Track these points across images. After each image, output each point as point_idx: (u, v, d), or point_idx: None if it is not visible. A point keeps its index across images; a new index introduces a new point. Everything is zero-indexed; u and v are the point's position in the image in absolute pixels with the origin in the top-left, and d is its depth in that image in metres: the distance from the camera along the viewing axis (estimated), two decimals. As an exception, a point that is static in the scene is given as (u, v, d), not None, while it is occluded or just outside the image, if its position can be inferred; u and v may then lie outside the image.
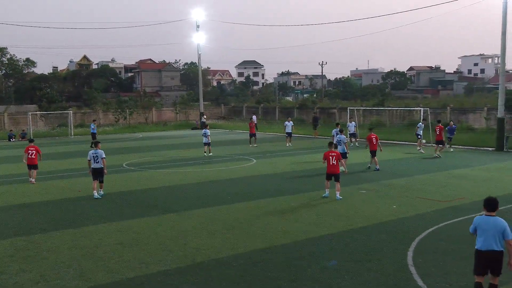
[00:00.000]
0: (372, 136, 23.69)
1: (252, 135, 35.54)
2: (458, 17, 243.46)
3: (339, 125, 28.66)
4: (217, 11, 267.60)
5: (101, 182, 18.03)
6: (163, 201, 17.11)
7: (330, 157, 16.92)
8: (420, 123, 31.30)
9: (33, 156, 21.18)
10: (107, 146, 35.70)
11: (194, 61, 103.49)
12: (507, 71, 43.60)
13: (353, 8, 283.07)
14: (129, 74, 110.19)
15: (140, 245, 11.83)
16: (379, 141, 23.96)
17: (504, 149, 30.50)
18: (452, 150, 30.86)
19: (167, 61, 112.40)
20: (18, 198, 17.87)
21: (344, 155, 21.91)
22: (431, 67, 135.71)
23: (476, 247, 8.06)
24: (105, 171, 18.13)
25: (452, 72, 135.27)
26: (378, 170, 23.08)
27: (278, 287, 9.14)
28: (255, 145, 34.84)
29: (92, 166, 17.82)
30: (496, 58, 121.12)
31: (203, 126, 36.50)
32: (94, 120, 41.81)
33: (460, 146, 32.43)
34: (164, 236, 12.63)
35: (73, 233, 13.04)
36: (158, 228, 13.40)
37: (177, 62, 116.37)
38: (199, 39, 59.13)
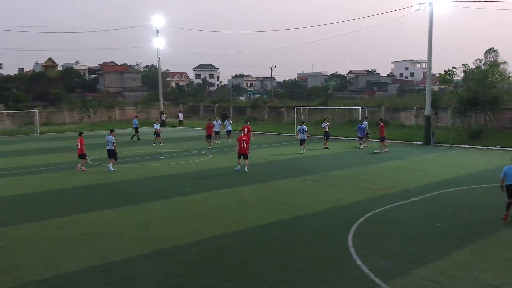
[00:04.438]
0: (245, 127, 27.68)
1: (208, 136, 31.54)
2: (391, 25, 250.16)
3: (327, 119, 31.98)
4: (176, 17, 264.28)
5: (109, 158, 22.03)
6: (127, 193, 16.83)
7: (242, 140, 21.15)
8: (365, 122, 31.50)
9: (79, 147, 22.11)
10: (72, 143, 34.80)
11: (154, 64, 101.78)
12: (433, 75, 45.10)
13: (298, 17, 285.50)
14: (93, 76, 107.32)
15: (106, 235, 11.64)
16: (251, 132, 28.13)
17: (431, 143, 31.62)
18: (363, 147, 30.01)
19: (129, 64, 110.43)
20: (-12, 193, 17.17)
21: (304, 140, 27.68)
22: (367, 71, 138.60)
23: (505, 184, 12.23)
24: (117, 151, 22.22)
25: (386, 75, 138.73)
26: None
27: (236, 268, 9.23)
28: (209, 147, 30.72)
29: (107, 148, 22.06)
30: (424, 63, 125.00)
31: (163, 123, 36.14)
32: (136, 116, 43.69)
33: (393, 141, 33.36)
34: (129, 226, 12.47)
35: (44, 225, 12.68)
36: (124, 219, 13.23)
37: (138, 65, 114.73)
38: (158, 43, 58.37)
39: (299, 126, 28.83)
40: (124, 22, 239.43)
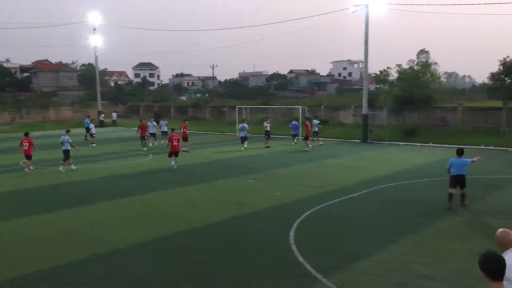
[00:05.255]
0: (182, 126, 29.34)
1: (142, 137, 30.32)
2: (330, 26, 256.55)
3: (269, 119, 32.64)
4: (114, 15, 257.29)
5: (63, 160, 21.67)
6: (67, 196, 16.22)
7: (174, 139, 21.89)
8: (315, 120, 32.33)
9: (26, 148, 21.47)
10: (10, 145, 33.07)
11: (91, 62, 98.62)
12: (370, 75, 46.58)
13: (238, 17, 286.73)
14: (25, 75, 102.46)
15: (46, 240, 11.20)
16: (186, 130, 29.43)
17: (368, 141, 32.68)
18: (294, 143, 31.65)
19: (64, 62, 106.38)
20: None
21: (245, 138, 29.00)
22: (308, 71, 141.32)
23: (450, 174, 13.42)
24: (76, 148, 22.51)
25: (326, 75, 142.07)
26: (188, 151, 27.80)
27: (178, 270, 9.12)
28: (145, 148, 29.72)
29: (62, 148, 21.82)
30: (361, 63, 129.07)
31: (101, 123, 34.73)
32: (88, 116, 41.68)
33: (332, 139, 34.21)
34: (71, 229, 12.04)
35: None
36: (66, 222, 12.73)
37: (75, 63, 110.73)
38: (96, 41, 56.54)
39: (240, 124, 30.06)
40: (59, 18, 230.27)
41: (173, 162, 22.05)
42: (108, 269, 9.27)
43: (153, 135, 32.32)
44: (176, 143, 22.06)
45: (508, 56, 34.07)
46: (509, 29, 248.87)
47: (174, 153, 22.08)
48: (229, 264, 9.45)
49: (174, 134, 22.63)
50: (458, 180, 13.37)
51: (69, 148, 21.80)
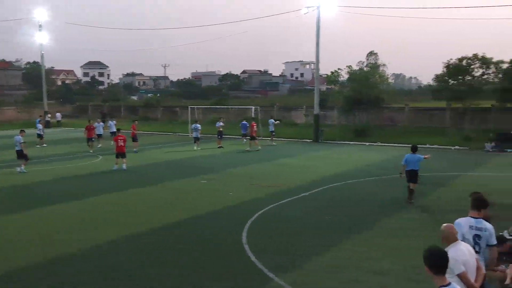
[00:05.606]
0: (131, 127, 29.26)
1: (89, 139, 28.84)
2: (283, 27, 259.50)
3: (222, 119, 32.60)
4: (61, 11, 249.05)
5: (25, 160, 21.09)
6: (14, 200, 15.59)
7: (119, 139, 21.63)
8: (271, 120, 32.48)
9: None
10: None
11: (37, 61, 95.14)
12: (321, 75, 47.43)
13: (192, 16, 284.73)
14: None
15: (41, 239, 11.02)
16: (135, 130, 28.97)
17: (319, 140, 33.19)
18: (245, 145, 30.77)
19: (8, 60, 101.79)
20: None
21: (198, 138, 29.01)
22: (260, 71, 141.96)
23: (406, 169, 14.24)
24: (25, 151, 21.30)
25: (278, 75, 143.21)
26: (136, 152, 27.18)
27: (133, 272, 8.93)
28: (91, 150, 28.33)
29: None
30: (312, 64, 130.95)
31: (48, 124, 33.36)
32: (40, 116, 40.99)
33: (284, 139, 34.48)
34: (27, 232, 11.62)
35: None
36: (19, 226, 12.28)
37: (19, 61, 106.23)
38: (42, 38, 54.48)
39: (193, 125, 30.20)
40: (1, 13, 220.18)
41: (115, 165, 21.57)
42: (103, 269, 9.18)
43: (99, 136, 31.22)
44: (122, 144, 21.60)
45: (451, 59, 35.58)
46: (453, 33, 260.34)
47: (120, 154, 21.64)
48: (181, 264, 9.33)
49: (120, 134, 22.28)
50: (412, 175, 14.24)
51: (21, 148, 21.18)
